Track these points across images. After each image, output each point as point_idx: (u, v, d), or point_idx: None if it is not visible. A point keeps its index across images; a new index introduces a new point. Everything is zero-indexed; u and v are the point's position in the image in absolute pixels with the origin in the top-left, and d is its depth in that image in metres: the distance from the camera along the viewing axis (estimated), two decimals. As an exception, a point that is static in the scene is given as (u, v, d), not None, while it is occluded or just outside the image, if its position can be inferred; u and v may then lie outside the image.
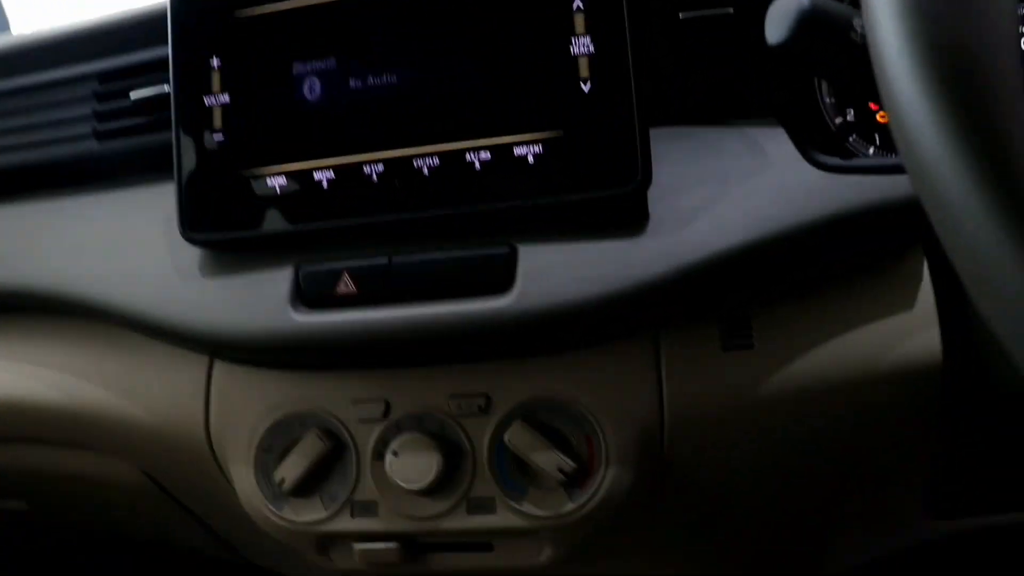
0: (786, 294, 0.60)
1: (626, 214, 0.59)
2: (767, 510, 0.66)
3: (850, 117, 0.60)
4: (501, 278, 0.58)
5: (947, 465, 0.63)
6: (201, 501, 0.74)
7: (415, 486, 0.60)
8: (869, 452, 0.62)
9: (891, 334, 0.59)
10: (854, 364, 0.59)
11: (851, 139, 0.60)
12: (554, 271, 0.58)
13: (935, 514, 0.67)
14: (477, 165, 0.58)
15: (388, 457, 0.61)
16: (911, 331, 0.58)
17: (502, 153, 0.57)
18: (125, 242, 0.70)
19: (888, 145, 0.59)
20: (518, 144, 0.57)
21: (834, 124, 0.60)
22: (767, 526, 0.68)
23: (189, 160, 0.62)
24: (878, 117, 0.60)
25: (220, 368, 0.67)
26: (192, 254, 0.66)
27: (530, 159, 0.57)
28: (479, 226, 0.60)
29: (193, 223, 0.63)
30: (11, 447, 0.77)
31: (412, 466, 0.61)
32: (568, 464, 0.59)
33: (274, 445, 0.64)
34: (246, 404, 0.65)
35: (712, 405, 0.60)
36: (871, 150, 0.60)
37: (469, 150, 0.58)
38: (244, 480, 0.65)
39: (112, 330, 0.70)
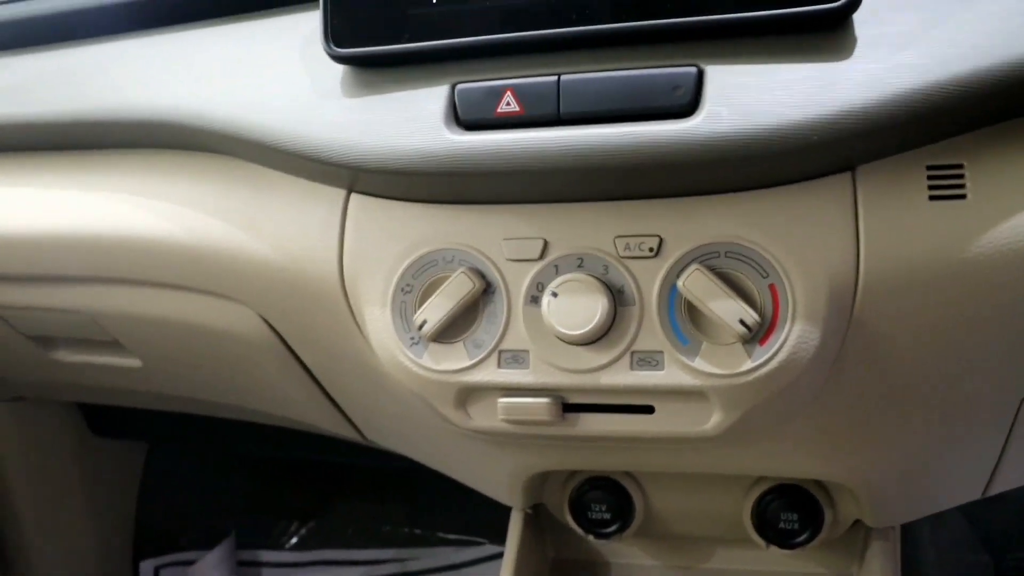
0: (1007, 140, 0.52)
1: (829, 36, 0.51)
2: (953, 395, 0.59)
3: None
4: (686, 101, 0.51)
5: None
6: (322, 354, 0.69)
7: (576, 332, 0.54)
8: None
9: None
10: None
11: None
12: (747, 93, 0.51)
13: None
14: (663, -29, 0.51)
15: (546, 299, 0.55)
16: None
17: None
18: (260, 66, 0.65)
19: None
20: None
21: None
22: (947, 419, 0.61)
23: (339, -37, 0.56)
24: None
25: (357, 202, 0.61)
26: (334, 74, 0.60)
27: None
28: (661, 44, 0.53)
29: (339, 37, 0.57)
30: (131, 290, 0.73)
31: (573, 310, 0.54)
32: (751, 316, 0.52)
33: (414, 285, 0.59)
34: (385, 240, 0.60)
35: (915, 259, 0.52)
36: None
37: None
38: (379, 322, 0.59)
39: (240, 165, 0.65)
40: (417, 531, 1.29)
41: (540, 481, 0.74)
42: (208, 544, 1.27)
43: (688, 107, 0.52)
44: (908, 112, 0.50)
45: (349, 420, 0.79)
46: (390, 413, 0.72)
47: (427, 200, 0.59)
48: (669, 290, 0.54)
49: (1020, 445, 0.64)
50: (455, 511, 1.16)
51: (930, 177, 0.52)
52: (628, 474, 0.73)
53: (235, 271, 0.66)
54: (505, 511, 0.80)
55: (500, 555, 0.79)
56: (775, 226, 0.53)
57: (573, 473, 0.75)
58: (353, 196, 0.61)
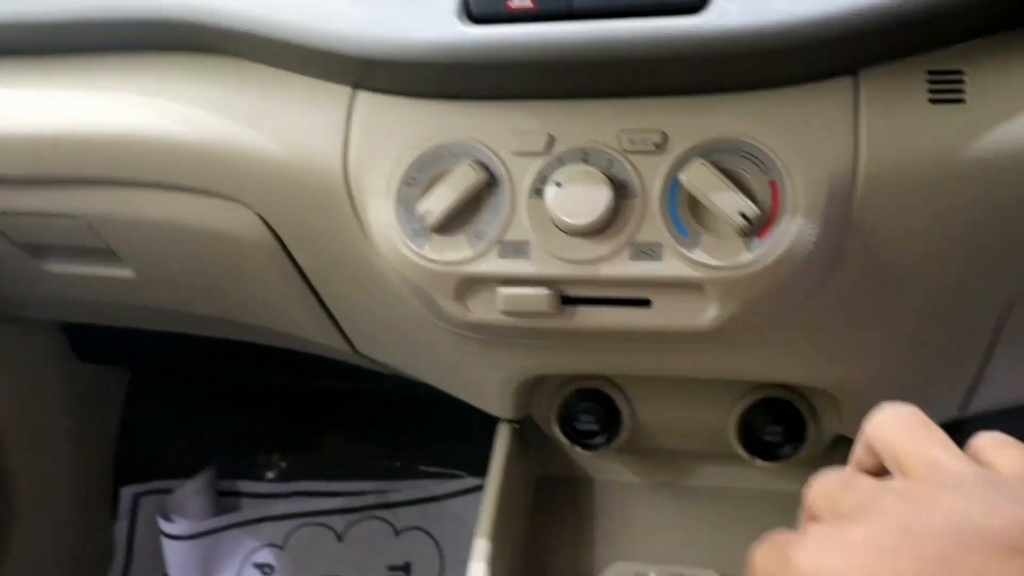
0: (1005, 49, 0.54)
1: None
2: (943, 299, 0.60)
3: None
4: (697, -4, 0.52)
5: None
6: (319, 255, 0.70)
7: (580, 221, 0.55)
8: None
9: None
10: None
11: None
12: (757, -9, 0.52)
13: None
14: None
15: (550, 188, 0.56)
16: None
17: None
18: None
19: None
20: None
21: None
22: (935, 324, 0.62)
23: None
24: None
25: (364, 98, 0.62)
26: (346, -31, 0.60)
27: None
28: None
29: (351, -69, 0.58)
30: (130, 193, 0.73)
31: (577, 200, 0.55)
32: (752, 208, 0.53)
33: (419, 178, 0.59)
34: (391, 134, 0.60)
35: (914, 159, 0.54)
36: None
37: None
38: (381, 213, 0.60)
39: (248, 66, 0.66)
40: (398, 464, 1.30)
41: (530, 390, 0.75)
42: (189, 474, 1.28)
43: (698, 2, 0.53)
44: (911, 12, 0.51)
45: (341, 330, 0.80)
46: (383, 320, 0.73)
47: (434, 96, 0.60)
48: (671, 184, 0.55)
49: (1002, 356, 0.66)
50: (436, 445, 1.18)
51: (930, 82, 0.54)
52: (616, 387, 0.75)
53: (239, 168, 0.66)
54: (486, 445, 0.81)
55: (480, 487, 0.80)
56: (778, 125, 0.54)
57: (562, 385, 0.76)
58: (360, 93, 0.62)
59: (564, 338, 0.62)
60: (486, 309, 0.60)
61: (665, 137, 0.56)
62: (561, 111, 0.57)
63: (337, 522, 1.27)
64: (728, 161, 0.55)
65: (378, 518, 1.27)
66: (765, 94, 0.55)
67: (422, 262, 0.59)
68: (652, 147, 0.55)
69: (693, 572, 0.71)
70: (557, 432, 0.76)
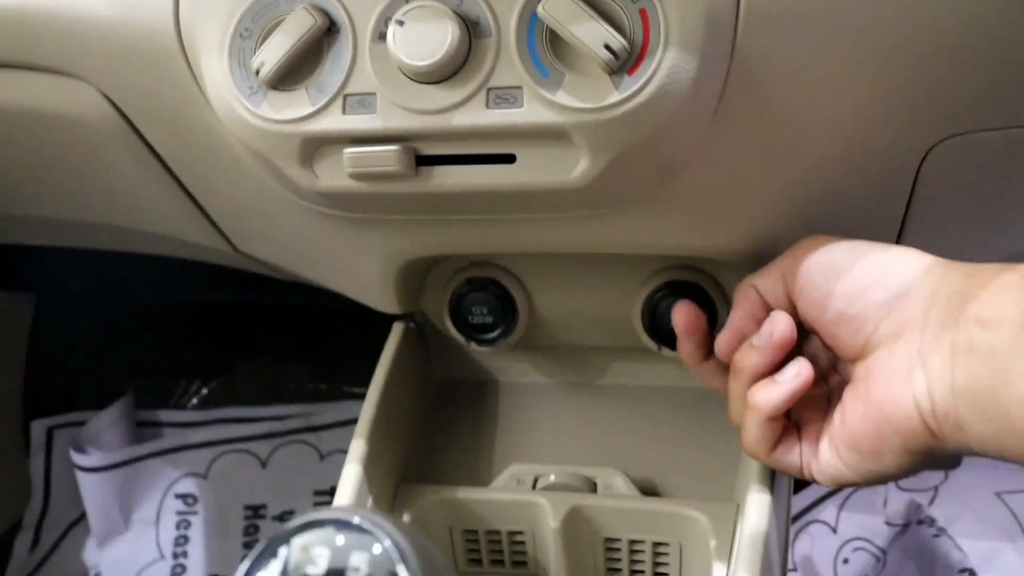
0: None
1: None
2: (848, 149, 0.54)
3: None
4: None
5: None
6: (170, 133, 0.62)
7: (424, 63, 0.48)
8: (990, 64, 0.49)
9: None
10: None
11: None
12: None
13: None
14: None
15: (392, 28, 0.49)
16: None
17: None
18: None
19: None
20: None
21: None
22: (844, 179, 0.56)
23: None
24: None
25: (195, -58, 0.54)
26: None
27: None
28: None
29: None
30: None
31: (421, 39, 0.48)
32: (617, 40, 0.46)
33: (254, 28, 0.52)
34: (223, -17, 0.53)
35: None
36: None
37: None
38: (215, 72, 0.53)
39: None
40: (323, 386, 1.24)
41: (417, 280, 0.68)
42: (105, 404, 1.21)
43: None
44: None
45: (216, 226, 0.73)
46: (249, 205, 0.66)
47: (269, -63, 0.52)
48: (529, 18, 0.48)
49: (920, 219, 0.59)
50: (360, 365, 1.10)
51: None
52: (512, 275, 0.68)
53: (66, 35, 0.59)
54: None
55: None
56: (648, -56, 0.47)
57: (452, 275, 0.69)
58: (191, -61, 0.54)
59: (429, 207, 0.56)
60: (335, 174, 0.53)
61: (523, -35, 0.48)
62: (406, -57, 0.50)
63: (261, 448, 1.22)
64: (594, -11, 0.47)
65: (303, 442, 1.21)
66: (635, -88, 0.47)
67: (259, 122, 0.52)
68: (506, -23, 0.48)
69: (593, 471, 0.65)
70: (450, 327, 0.70)
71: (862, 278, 0.50)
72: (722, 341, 0.55)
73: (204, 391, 1.27)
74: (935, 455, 0.47)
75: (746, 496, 0.58)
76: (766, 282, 0.54)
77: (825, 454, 0.52)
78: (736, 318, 0.55)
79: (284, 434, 1.22)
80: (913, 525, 1.05)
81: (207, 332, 1.29)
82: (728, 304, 0.65)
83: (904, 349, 0.47)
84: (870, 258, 0.50)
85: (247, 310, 1.24)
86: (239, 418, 1.23)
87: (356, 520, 0.39)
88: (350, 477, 0.60)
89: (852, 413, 0.50)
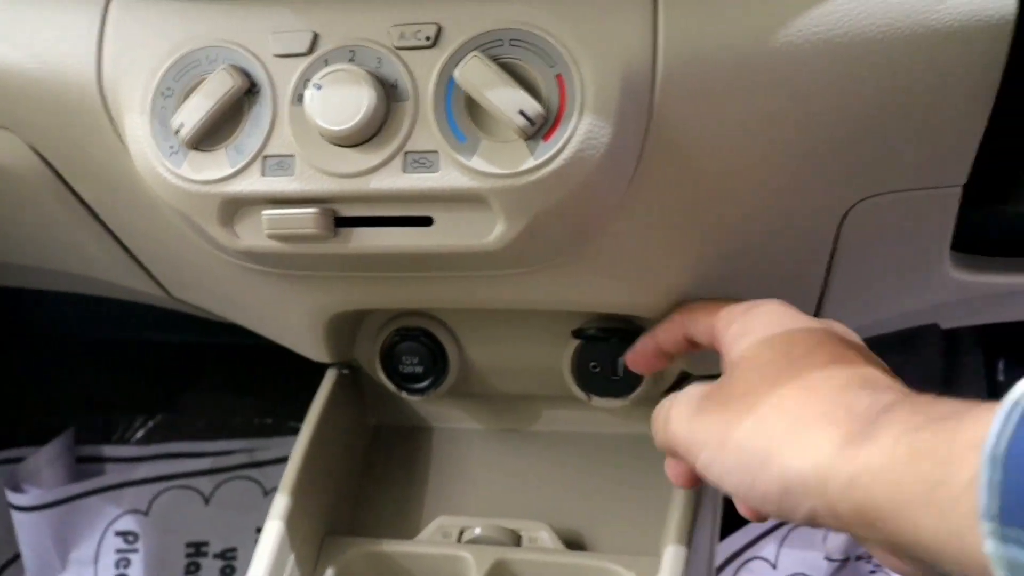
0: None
1: None
2: (767, 210, 0.54)
3: None
4: None
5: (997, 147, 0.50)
6: (98, 185, 0.62)
7: (340, 127, 0.48)
8: (902, 129, 0.50)
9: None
10: (901, 11, 0.46)
11: None
12: None
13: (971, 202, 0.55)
14: None
15: (309, 92, 0.49)
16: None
17: None
18: None
19: None
20: None
21: None
22: (765, 240, 0.57)
23: None
24: None
25: (118, 3, 0.54)
26: None
27: None
28: None
29: None
30: None
31: (338, 103, 0.48)
32: (533, 106, 0.47)
33: (175, 88, 0.52)
34: (146, 40, 0.53)
35: (718, 47, 0.48)
36: None
37: None
38: (138, 130, 0.53)
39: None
40: (268, 421, 1.23)
41: (348, 330, 0.68)
42: (44, 440, 1.20)
43: None
44: None
45: (150, 274, 0.73)
46: (180, 256, 0.65)
47: (192, -6, 0.52)
48: (446, 83, 0.49)
49: (842, 277, 0.60)
50: (306, 401, 1.09)
51: (737, -39, 0.47)
52: (442, 324, 0.68)
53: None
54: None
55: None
56: (564, 11, 0.48)
57: (384, 325, 0.69)
58: (115, -4, 0.54)
59: (350, 266, 0.56)
60: (255, 234, 0.53)
61: (440, 30, 0.49)
62: (327, 5, 0.51)
63: (204, 484, 1.20)
64: (510, 54, 0.48)
65: (246, 478, 1.20)
66: (551, -20, 0.48)
67: (179, 182, 0.52)
68: (425, 41, 0.49)
69: (519, 523, 0.65)
70: (382, 376, 0.70)
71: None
72: (631, 355, 0.60)
73: (148, 425, 1.26)
74: None
75: (662, 551, 0.58)
76: (700, 326, 0.55)
77: None
78: (651, 342, 0.58)
79: (228, 470, 1.20)
80: (852, 561, 1.06)
81: (151, 366, 1.28)
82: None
83: None
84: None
85: (193, 347, 1.23)
86: (183, 453, 1.22)
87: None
88: (271, 535, 0.60)
89: None
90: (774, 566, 1.08)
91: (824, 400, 0.41)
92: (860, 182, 0.54)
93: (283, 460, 1.17)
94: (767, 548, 1.09)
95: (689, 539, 0.58)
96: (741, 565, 1.08)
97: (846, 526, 0.38)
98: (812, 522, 0.40)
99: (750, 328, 0.49)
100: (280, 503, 0.61)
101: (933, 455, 0.34)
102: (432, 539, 0.65)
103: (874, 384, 0.42)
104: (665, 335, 0.57)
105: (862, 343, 0.49)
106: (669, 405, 0.50)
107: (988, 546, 0.30)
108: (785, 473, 0.40)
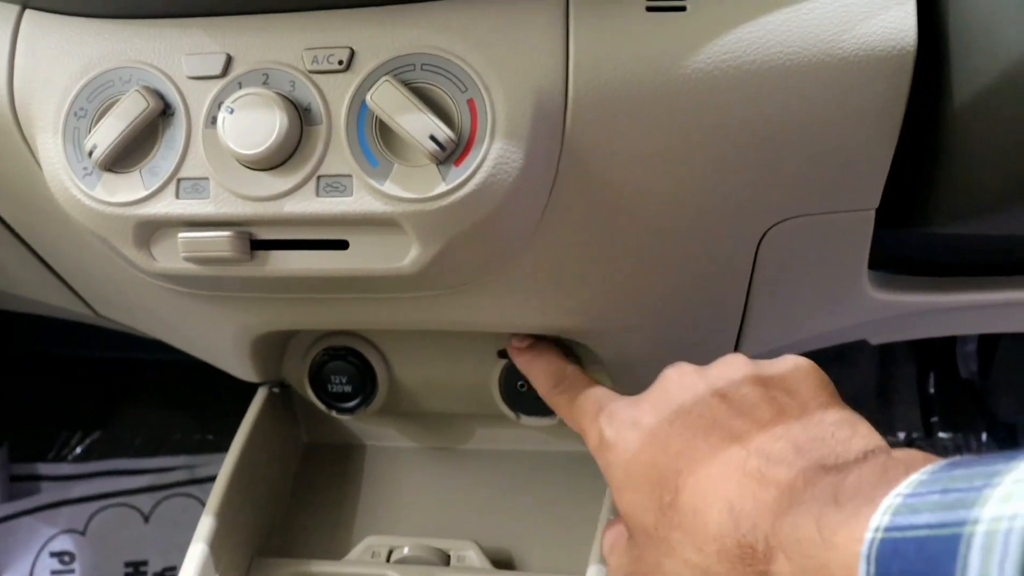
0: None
1: None
2: (684, 234, 0.55)
3: None
4: None
5: (906, 168, 0.51)
6: (15, 206, 0.61)
7: (253, 152, 0.48)
8: (812, 155, 0.51)
9: (859, 4, 0.47)
10: (807, 39, 0.47)
11: None
12: None
13: (887, 222, 0.56)
14: None
15: (222, 115, 0.49)
16: (885, 5, 0.47)
17: None
18: None
19: None
20: None
21: None
22: (682, 263, 0.57)
23: None
24: None
25: (31, 18, 0.54)
26: None
27: None
28: None
29: None
30: None
31: (251, 127, 0.48)
32: (443, 132, 0.47)
33: (89, 109, 0.52)
34: (59, 59, 0.53)
35: (630, 73, 0.48)
36: None
37: None
38: (51, 152, 0.52)
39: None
40: (209, 437, 1.22)
41: (273, 351, 0.68)
42: (-22, 457, 1.18)
43: None
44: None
45: (75, 292, 0.72)
46: (102, 275, 0.65)
47: (108, 14, 0.52)
48: (359, 107, 0.49)
49: (763, 298, 0.61)
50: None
51: (646, -13, 0.48)
52: (370, 344, 0.68)
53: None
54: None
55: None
56: (476, 36, 0.48)
57: (312, 344, 0.69)
58: (27, 12, 0.54)
59: (269, 288, 0.55)
60: (171, 256, 0.52)
61: (353, 54, 0.49)
62: (242, 27, 0.50)
63: (143, 501, 1.19)
64: (422, 78, 0.48)
65: (187, 495, 1.19)
66: (465, 3, 0.48)
67: (94, 204, 0.52)
68: (338, 65, 0.49)
69: (448, 543, 0.65)
70: (311, 395, 0.69)
71: None
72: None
73: (86, 442, 1.24)
74: None
75: (587, 570, 0.58)
76: None
77: None
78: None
79: (167, 487, 1.19)
80: None
81: (88, 381, 1.26)
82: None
83: None
84: None
85: (130, 362, 1.22)
86: (121, 470, 1.21)
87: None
88: (195, 559, 0.59)
89: None
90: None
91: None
92: (773, 206, 0.55)
93: (223, 476, 1.16)
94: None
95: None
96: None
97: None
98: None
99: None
100: (205, 525, 0.61)
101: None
102: (361, 559, 0.65)
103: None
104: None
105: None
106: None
107: None
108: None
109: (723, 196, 0.52)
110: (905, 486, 0.33)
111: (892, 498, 0.33)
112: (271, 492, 0.69)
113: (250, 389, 0.74)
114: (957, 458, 0.34)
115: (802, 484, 0.38)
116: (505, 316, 0.58)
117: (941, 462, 0.34)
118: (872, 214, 0.56)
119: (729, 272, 0.59)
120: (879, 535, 0.32)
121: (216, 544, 0.60)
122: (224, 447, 1.19)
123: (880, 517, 0.32)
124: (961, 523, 0.29)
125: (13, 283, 0.75)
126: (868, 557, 0.32)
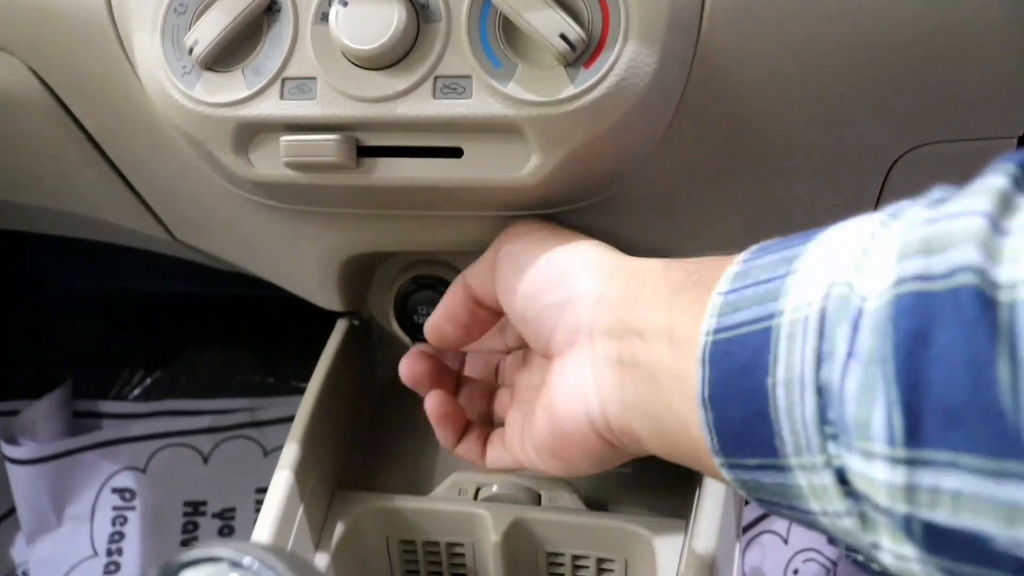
0: None
1: None
2: (813, 153, 0.51)
3: None
4: None
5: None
6: (101, 113, 0.59)
7: (368, 48, 0.45)
8: (953, 69, 0.47)
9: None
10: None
11: None
12: None
13: None
14: None
15: (335, 9, 0.46)
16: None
17: None
18: None
19: None
20: None
21: None
22: (807, 186, 0.54)
23: None
24: None
25: (129, -88, 0.51)
26: None
27: None
28: None
29: None
30: None
31: (366, 22, 0.45)
32: (574, 30, 0.43)
33: (189, 5, 0.49)
34: (158, -47, 0.50)
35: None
36: None
37: None
38: (147, 50, 0.50)
39: None
40: (270, 380, 1.20)
41: (361, 278, 0.65)
42: (41, 393, 1.17)
43: None
44: None
45: (154, 213, 0.69)
46: (186, 193, 0.62)
47: (211, -95, 0.49)
48: (482, 4, 0.45)
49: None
50: (309, 359, 1.07)
51: None
52: (457, 272, 0.65)
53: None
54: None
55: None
56: (611, -70, 0.44)
57: (399, 273, 0.66)
58: (123, -95, 0.51)
59: (370, 201, 0.52)
60: (271, 162, 0.50)
61: (476, -54, 0.45)
62: (356, -83, 0.47)
63: (203, 442, 1.18)
64: (551, -25, 0.45)
65: (246, 437, 1.17)
66: None
67: (192, 105, 0.49)
68: (461, -42, 0.45)
69: (539, 482, 0.62)
70: (396, 326, 0.67)
71: (537, 280, 0.46)
72: (427, 327, 0.55)
73: (147, 382, 1.23)
74: (630, 455, 0.45)
75: (695, 512, 0.55)
76: (476, 273, 0.51)
77: (529, 454, 0.49)
78: (440, 308, 0.54)
79: (227, 429, 1.18)
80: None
81: (151, 321, 1.25)
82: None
83: (575, 361, 0.44)
84: (550, 255, 0.47)
85: (193, 300, 1.20)
86: (181, 411, 1.19)
87: (246, 561, 0.36)
88: (280, 485, 0.57)
89: (539, 423, 0.47)
90: (786, 541, 1.06)
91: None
92: (908, 129, 0.51)
93: (284, 420, 1.15)
94: (779, 522, 1.06)
95: (722, 501, 0.55)
96: (752, 539, 1.05)
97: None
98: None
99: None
100: (289, 454, 0.58)
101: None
102: (447, 496, 0.62)
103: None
104: (446, 310, 0.54)
105: None
106: None
107: (724, 474, 0.35)
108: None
109: (859, 110, 0.49)
110: (724, 281, 0.35)
111: (715, 297, 0.35)
112: (350, 426, 0.67)
113: (315, 331, 0.71)
114: (768, 241, 0.36)
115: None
116: (618, 239, 0.55)
117: (752, 248, 0.36)
118: (1013, 144, 0.52)
119: (854, 200, 0.55)
120: (710, 339, 0.34)
121: (300, 473, 0.58)
122: (285, 391, 1.18)
123: (708, 320, 0.35)
124: (770, 316, 0.32)
125: (91, 205, 0.72)
126: (703, 361, 0.34)
